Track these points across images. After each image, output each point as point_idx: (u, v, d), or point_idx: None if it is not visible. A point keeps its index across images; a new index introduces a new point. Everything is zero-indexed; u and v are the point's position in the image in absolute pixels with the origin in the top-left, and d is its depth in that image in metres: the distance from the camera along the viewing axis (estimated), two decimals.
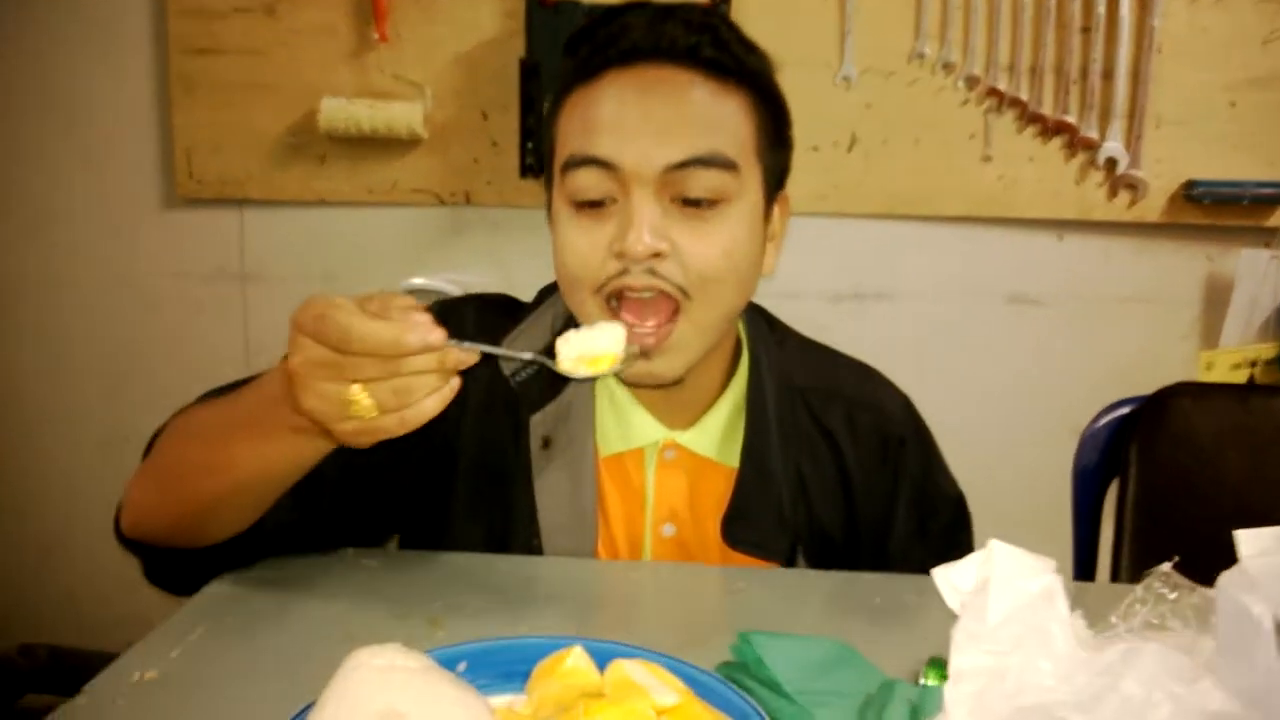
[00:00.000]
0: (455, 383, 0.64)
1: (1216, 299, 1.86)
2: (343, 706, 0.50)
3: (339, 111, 1.75)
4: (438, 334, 0.61)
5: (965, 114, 1.80)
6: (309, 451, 0.72)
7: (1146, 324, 1.89)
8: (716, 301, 0.80)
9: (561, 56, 0.84)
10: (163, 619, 0.77)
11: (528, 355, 0.73)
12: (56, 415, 1.96)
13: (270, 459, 0.73)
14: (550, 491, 0.87)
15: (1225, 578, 0.41)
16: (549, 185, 0.86)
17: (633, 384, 0.85)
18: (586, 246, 0.79)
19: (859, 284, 1.86)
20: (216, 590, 0.82)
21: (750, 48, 0.84)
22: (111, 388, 1.95)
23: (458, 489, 0.89)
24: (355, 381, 0.61)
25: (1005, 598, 0.38)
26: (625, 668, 0.57)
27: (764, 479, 0.87)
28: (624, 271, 0.78)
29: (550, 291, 0.94)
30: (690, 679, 0.59)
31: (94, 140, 1.86)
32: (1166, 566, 0.66)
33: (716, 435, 0.89)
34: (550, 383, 0.87)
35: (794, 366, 0.93)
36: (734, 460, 0.88)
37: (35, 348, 1.93)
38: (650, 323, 0.79)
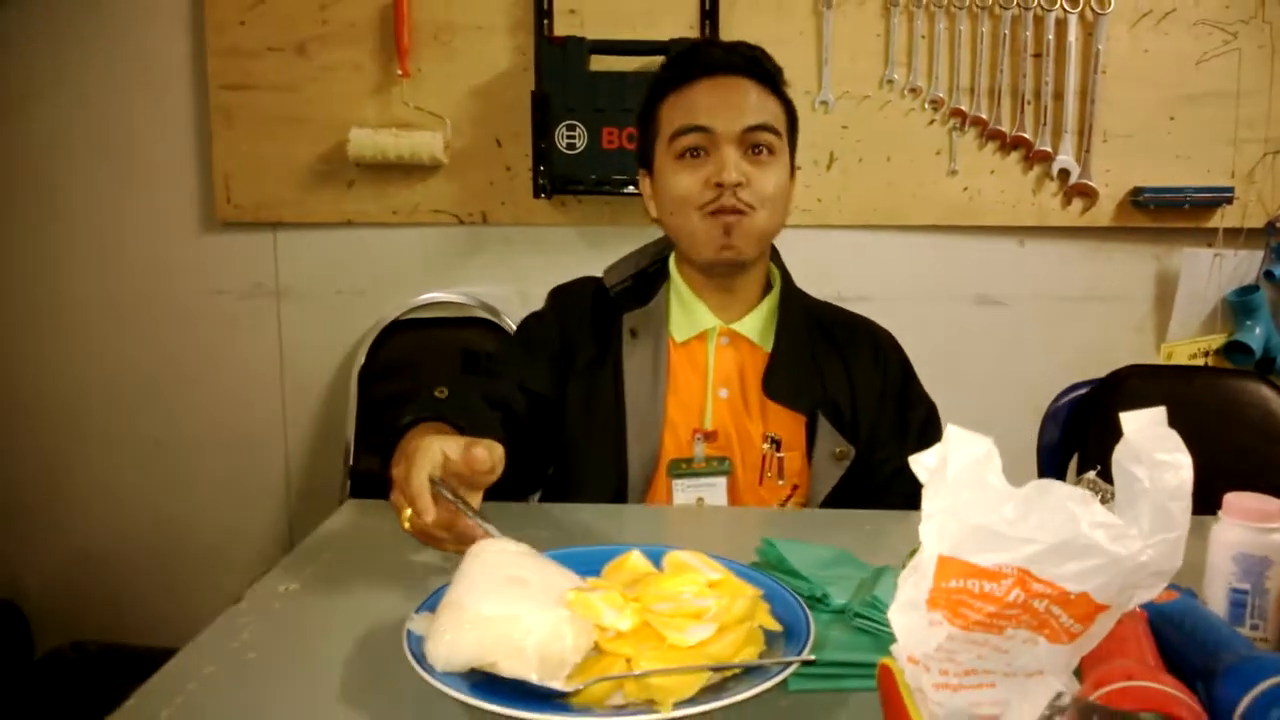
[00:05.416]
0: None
1: (1164, 294, 2.05)
2: (477, 575, 0.66)
3: (366, 141, 1.92)
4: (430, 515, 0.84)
5: (932, 133, 1.99)
6: None
7: (1102, 319, 2.06)
8: (770, 214, 1.20)
9: (661, 69, 1.26)
10: (212, 616, 0.80)
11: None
12: (101, 425, 2.10)
13: None
14: (635, 367, 1.21)
15: (1117, 450, 0.57)
16: (648, 159, 1.25)
17: (717, 262, 1.20)
18: (691, 180, 1.18)
19: (841, 289, 2.01)
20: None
21: (779, 70, 1.24)
22: (152, 399, 2.08)
23: (573, 372, 1.23)
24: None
25: (957, 460, 0.54)
26: (678, 555, 0.74)
27: (792, 354, 1.22)
28: (718, 196, 1.16)
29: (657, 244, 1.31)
30: (729, 564, 0.75)
31: (141, 171, 2.02)
32: (1091, 474, 0.83)
33: (758, 326, 1.25)
34: (637, 293, 1.26)
35: (810, 302, 1.31)
36: (770, 346, 1.22)
37: (88, 363, 2.07)
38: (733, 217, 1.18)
